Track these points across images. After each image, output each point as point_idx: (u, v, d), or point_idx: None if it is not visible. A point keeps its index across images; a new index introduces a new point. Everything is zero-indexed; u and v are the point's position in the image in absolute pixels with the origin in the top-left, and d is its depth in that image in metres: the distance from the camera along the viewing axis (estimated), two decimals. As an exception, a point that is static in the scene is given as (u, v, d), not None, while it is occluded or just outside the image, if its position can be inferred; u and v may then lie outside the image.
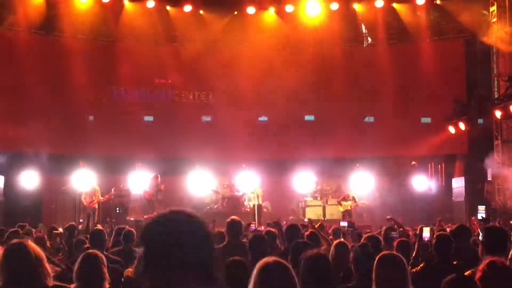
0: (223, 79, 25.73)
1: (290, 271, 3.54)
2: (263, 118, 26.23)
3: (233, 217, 8.26)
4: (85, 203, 20.06)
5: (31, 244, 4.64)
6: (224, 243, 8.10)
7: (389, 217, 11.71)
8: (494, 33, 22.68)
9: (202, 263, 2.60)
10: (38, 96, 23.45)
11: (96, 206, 20.33)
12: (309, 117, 26.35)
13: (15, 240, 4.77)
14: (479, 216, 16.66)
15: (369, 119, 26.68)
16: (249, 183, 23.19)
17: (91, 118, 25.49)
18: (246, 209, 22.60)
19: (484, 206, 18.75)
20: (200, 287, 2.56)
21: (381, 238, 8.71)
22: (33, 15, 23.73)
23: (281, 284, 3.49)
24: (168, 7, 25.81)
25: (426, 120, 25.96)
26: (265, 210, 23.30)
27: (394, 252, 5.55)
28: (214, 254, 2.66)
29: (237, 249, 7.28)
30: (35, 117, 22.30)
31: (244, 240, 8.36)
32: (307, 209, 23.32)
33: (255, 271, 3.52)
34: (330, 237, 10.58)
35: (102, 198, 20.46)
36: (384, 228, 10.56)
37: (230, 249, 7.47)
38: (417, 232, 8.54)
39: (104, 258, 5.55)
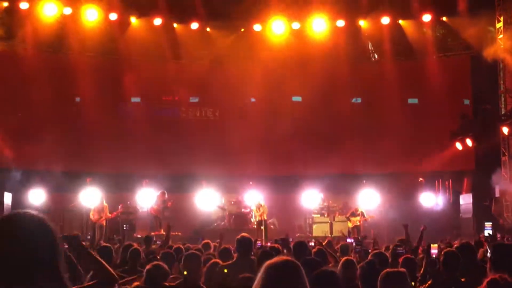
0: (230, 95, 25.86)
1: (300, 270, 3.26)
2: (270, 134, 26.08)
3: (243, 234, 8.16)
4: (93, 219, 20.09)
5: None
6: (234, 259, 8.06)
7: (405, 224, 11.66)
8: (501, 49, 22.67)
9: (46, 261, 2.59)
10: (46, 113, 23.59)
11: (104, 222, 20.36)
12: (316, 133, 26.22)
13: None
14: (486, 233, 16.60)
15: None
16: (255, 200, 23.16)
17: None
18: (254, 226, 22.57)
19: (490, 223, 18.66)
20: (45, 285, 2.55)
21: (389, 255, 8.68)
22: (42, 33, 23.88)
23: (290, 284, 3.21)
24: (175, 25, 25.93)
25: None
26: (272, 226, 23.27)
27: (399, 269, 5.54)
28: (59, 252, 2.67)
29: (247, 266, 7.22)
30: (42, 135, 22.39)
31: (253, 257, 8.31)
32: (314, 226, 23.26)
33: (262, 269, 3.24)
34: (338, 253, 10.55)
35: (110, 214, 20.48)
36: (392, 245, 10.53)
37: (240, 266, 7.42)
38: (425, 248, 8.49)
39: None
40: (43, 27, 23.78)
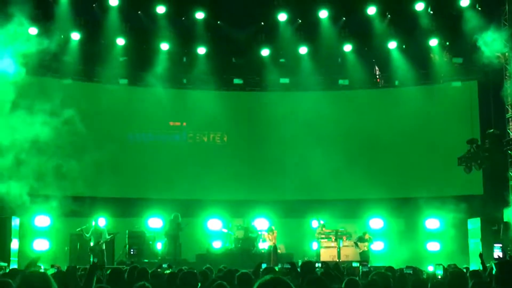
0: (238, 121, 26.03)
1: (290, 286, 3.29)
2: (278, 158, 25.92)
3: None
4: (92, 244, 19.97)
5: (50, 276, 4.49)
6: None
7: None
8: (507, 74, 22.70)
9: None
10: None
11: (104, 246, 20.19)
12: (324, 158, 26.02)
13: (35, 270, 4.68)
14: (495, 255, 16.46)
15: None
16: (264, 224, 23.10)
17: None
18: (262, 251, 22.45)
19: (500, 244, 18.42)
20: None
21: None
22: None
23: None
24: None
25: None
26: (279, 251, 23.16)
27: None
28: None
29: None
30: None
31: None
32: (321, 250, 23.08)
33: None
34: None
35: (108, 237, 20.33)
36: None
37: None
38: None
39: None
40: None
